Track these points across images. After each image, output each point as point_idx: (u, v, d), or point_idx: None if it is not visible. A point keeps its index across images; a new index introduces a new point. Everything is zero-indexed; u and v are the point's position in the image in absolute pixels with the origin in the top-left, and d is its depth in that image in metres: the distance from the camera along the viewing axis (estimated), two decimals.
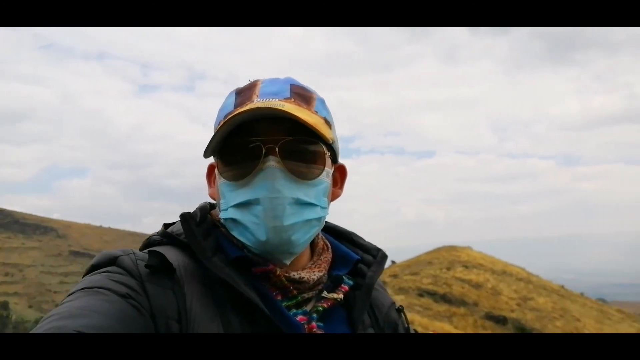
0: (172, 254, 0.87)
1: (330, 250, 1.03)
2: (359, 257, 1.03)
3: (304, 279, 0.92)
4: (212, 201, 1.01)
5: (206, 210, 0.98)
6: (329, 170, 0.95)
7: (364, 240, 1.09)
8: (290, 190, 0.87)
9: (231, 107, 0.93)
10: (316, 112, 0.93)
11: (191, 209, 0.96)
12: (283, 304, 0.89)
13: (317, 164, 0.92)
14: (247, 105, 0.89)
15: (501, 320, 21.81)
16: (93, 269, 0.84)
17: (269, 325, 0.83)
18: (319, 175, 0.92)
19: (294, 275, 0.91)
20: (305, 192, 0.89)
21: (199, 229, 0.91)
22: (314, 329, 0.89)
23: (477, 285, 25.45)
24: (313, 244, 1.01)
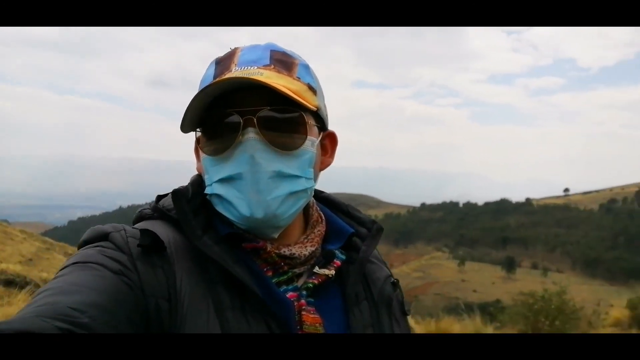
0: (162, 231, 0.86)
1: (324, 222, 1.01)
2: (352, 231, 1.01)
3: (294, 255, 0.90)
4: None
5: (198, 184, 0.94)
6: (313, 139, 0.92)
7: (360, 213, 1.07)
8: (271, 162, 0.85)
9: (211, 79, 0.90)
10: (298, 78, 0.90)
11: None
12: (274, 280, 0.88)
13: (299, 134, 0.89)
14: (225, 74, 0.88)
15: None
16: (85, 244, 0.83)
17: (258, 302, 0.82)
18: (301, 145, 0.89)
19: (284, 251, 0.90)
20: (287, 164, 0.87)
21: (190, 205, 0.88)
22: (304, 306, 0.87)
23: None
24: (307, 216, 1.00)
